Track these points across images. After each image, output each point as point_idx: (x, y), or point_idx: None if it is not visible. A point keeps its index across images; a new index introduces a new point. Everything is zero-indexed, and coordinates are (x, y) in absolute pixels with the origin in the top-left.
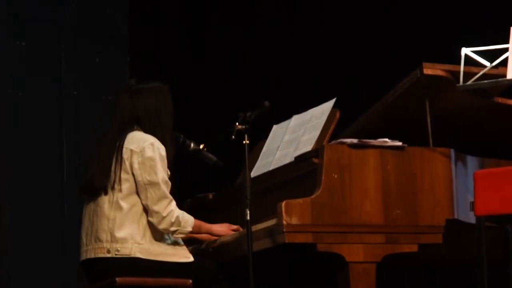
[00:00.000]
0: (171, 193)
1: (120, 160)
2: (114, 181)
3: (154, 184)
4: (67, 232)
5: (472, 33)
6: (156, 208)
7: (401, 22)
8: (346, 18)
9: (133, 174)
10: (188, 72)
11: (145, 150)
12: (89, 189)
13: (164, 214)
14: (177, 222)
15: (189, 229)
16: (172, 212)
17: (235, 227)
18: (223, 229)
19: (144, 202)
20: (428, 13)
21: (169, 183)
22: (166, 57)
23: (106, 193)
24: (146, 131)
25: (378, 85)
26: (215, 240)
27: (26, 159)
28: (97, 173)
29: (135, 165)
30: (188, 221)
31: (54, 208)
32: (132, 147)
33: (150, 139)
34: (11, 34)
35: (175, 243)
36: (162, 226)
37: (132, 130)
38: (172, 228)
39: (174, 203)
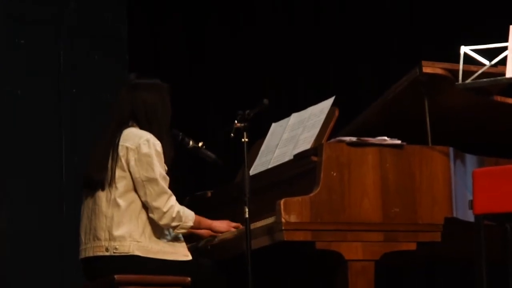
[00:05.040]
0: (170, 189)
1: (116, 157)
2: (111, 179)
3: (152, 180)
4: (66, 231)
5: (472, 31)
6: (156, 204)
7: (401, 21)
8: (346, 18)
9: (129, 172)
10: (187, 70)
11: (140, 147)
12: (88, 182)
13: (164, 210)
14: (178, 217)
15: (190, 224)
16: (172, 207)
17: (235, 224)
18: (224, 226)
19: (143, 199)
20: (428, 12)
21: (167, 178)
22: (165, 55)
23: (103, 189)
24: (142, 127)
25: (378, 83)
26: (214, 238)
27: (24, 158)
28: (95, 168)
29: (132, 162)
30: (189, 216)
31: (53, 207)
32: (127, 144)
33: (146, 135)
34: (10, 31)
35: (174, 241)
36: (163, 222)
37: (127, 126)
38: (174, 223)
39: (173, 197)
